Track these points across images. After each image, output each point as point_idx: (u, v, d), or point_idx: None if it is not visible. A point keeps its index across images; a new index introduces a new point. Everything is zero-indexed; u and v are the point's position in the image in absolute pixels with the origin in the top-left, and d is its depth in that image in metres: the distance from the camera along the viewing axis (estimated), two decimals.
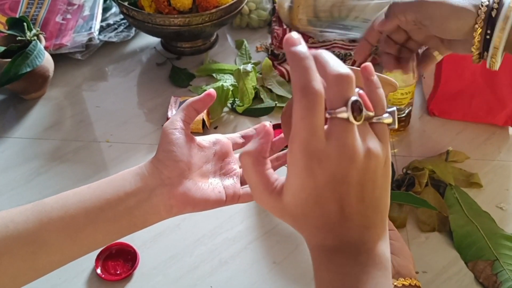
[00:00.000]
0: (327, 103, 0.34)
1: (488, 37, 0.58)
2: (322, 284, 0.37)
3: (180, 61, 1.08)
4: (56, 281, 0.69)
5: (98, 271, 0.69)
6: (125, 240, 0.72)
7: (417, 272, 0.69)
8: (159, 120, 0.94)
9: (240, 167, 0.55)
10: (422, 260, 0.70)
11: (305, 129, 0.33)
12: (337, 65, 0.35)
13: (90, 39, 1.05)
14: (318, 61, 0.35)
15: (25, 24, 0.95)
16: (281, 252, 0.72)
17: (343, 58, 1.02)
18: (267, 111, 0.94)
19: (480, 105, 0.89)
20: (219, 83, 0.93)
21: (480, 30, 0.58)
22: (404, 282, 0.44)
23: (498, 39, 0.57)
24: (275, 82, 0.99)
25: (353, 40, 1.03)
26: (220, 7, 0.98)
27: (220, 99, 0.92)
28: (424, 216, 0.75)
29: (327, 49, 1.04)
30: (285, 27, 1.10)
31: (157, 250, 0.73)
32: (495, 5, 0.57)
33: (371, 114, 0.36)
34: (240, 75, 0.92)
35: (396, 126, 0.39)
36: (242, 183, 0.53)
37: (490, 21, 0.57)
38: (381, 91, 0.38)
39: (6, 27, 0.98)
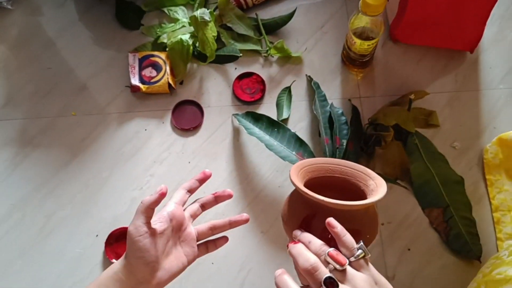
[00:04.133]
0: (314, 287, 0.46)
1: None
2: None
3: None
4: (75, 279, 0.78)
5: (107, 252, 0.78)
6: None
7: (382, 224, 0.82)
8: (119, 81, 0.90)
9: (195, 231, 0.61)
10: (387, 211, 0.82)
11: None
12: (302, 261, 0.46)
13: None
14: (292, 258, 0.48)
15: None
16: (266, 221, 0.82)
17: None
18: (231, 59, 0.91)
19: (442, 31, 0.89)
20: (177, 37, 0.87)
21: None
22: None
23: None
24: (234, 17, 0.92)
25: None
26: None
27: (182, 56, 0.87)
28: (388, 168, 0.84)
29: None
30: None
31: None
32: None
33: (346, 263, 0.46)
34: (198, 25, 0.85)
35: (369, 255, 0.49)
36: (198, 238, 0.62)
37: None
38: (346, 238, 0.48)
39: None
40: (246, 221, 0.62)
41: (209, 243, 0.63)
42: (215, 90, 0.90)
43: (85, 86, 0.90)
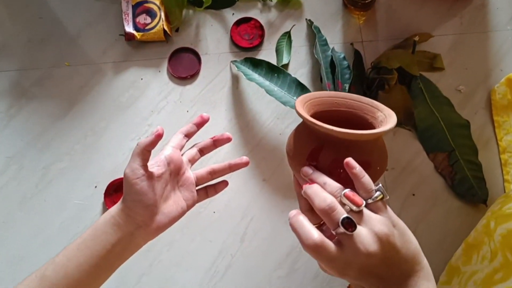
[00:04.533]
0: (330, 227, 0.43)
1: None
2: None
3: None
4: (76, 230, 0.78)
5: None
6: None
7: (387, 170, 0.80)
8: (114, 30, 0.87)
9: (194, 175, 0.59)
10: (391, 157, 0.80)
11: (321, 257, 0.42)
12: (318, 201, 0.44)
13: None
14: (308, 198, 0.45)
15: None
16: (267, 168, 0.81)
17: None
18: (228, 4, 0.87)
19: None
20: None
21: None
22: None
23: None
24: None
25: None
26: None
27: (177, 1, 0.84)
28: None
29: None
30: None
31: None
32: None
33: (363, 204, 0.43)
34: None
35: (388, 197, 0.45)
36: (197, 183, 0.59)
37: None
38: (365, 179, 0.45)
39: None
40: (246, 164, 0.60)
41: (208, 187, 0.61)
42: (212, 36, 0.87)
43: (78, 35, 0.87)
